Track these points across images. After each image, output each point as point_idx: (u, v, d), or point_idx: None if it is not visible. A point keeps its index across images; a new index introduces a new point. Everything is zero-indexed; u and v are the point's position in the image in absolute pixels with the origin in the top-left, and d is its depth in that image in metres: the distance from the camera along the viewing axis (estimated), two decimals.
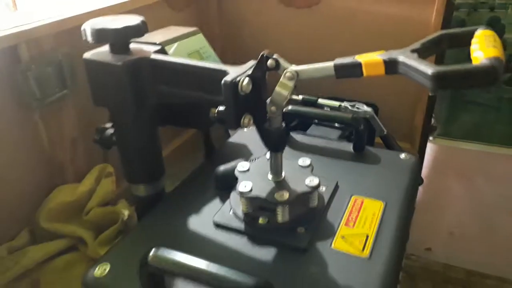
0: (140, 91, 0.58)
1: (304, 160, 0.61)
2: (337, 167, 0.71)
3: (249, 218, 0.58)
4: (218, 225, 0.59)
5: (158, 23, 0.77)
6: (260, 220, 0.57)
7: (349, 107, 0.84)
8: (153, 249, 0.45)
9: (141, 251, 0.46)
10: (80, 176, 0.83)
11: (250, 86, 0.50)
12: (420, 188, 0.78)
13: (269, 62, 0.51)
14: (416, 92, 1.09)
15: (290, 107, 0.79)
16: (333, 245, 0.55)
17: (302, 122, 0.90)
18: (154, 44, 0.66)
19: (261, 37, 1.21)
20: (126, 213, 0.80)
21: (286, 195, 0.55)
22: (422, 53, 0.47)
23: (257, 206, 0.58)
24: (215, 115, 0.61)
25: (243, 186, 0.56)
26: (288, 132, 0.78)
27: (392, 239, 0.56)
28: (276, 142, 0.56)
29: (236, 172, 0.60)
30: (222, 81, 0.49)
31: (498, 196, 1.28)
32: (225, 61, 0.71)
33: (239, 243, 0.56)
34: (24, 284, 0.71)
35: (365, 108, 0.84)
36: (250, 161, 0.63)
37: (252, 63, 0.53)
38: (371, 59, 0.48)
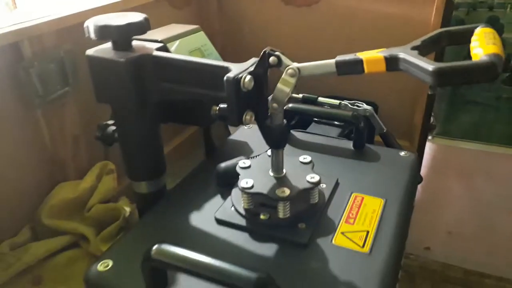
0: (142, 88, 0.58)
1: (305, 157, 0.62)
2: (337, 164, 0.72)
3: (251, 214, 0.58)
4: (219, 221, 0.59)
5: (159, 20, 0.77)
6: (262, 216, 0.57)
7: (349, 105, 0.84)
8: (157, 244, 0.46)
9: (143, 248, 0.46)
10: (82, 173, 0.83)
11: (252, 83, 0.50)
12: (419, 187, 0.79)
13: (271, 59, 0.52)
14: (415, 91, 1.10)
15: (290, 105, 0.79)
16: (333, 241, 0.55)
17: (303, 120, 0.90)
18: (156, 41, 0.67)
19: (261, 35, 1.22)
20: (127, 210, 0.81)
21: (287, 191, 0.55)
22: (422, 50, 0.48)
23: (259, 202, 0.58)
24: (217, 112, 0.62)
25: (245, 182, 0.57)
26: (288, 129, 0.78)
27: (392, 235, 0.56)
28: (277, 139, 0.57)
29: (237, 169, 0.60)
30: (225, 78, 0.50)
31: (497, 196, 1.28)
32: (225, 58, 0.72)
33: (241, 239, 0.56)
34: (26, 280, 0.71)
35: (365, 106, 0.84)
36: (251, 158, 0.63)
37: (254, 60, 0.53)
38: (372, 56, 0.48)
